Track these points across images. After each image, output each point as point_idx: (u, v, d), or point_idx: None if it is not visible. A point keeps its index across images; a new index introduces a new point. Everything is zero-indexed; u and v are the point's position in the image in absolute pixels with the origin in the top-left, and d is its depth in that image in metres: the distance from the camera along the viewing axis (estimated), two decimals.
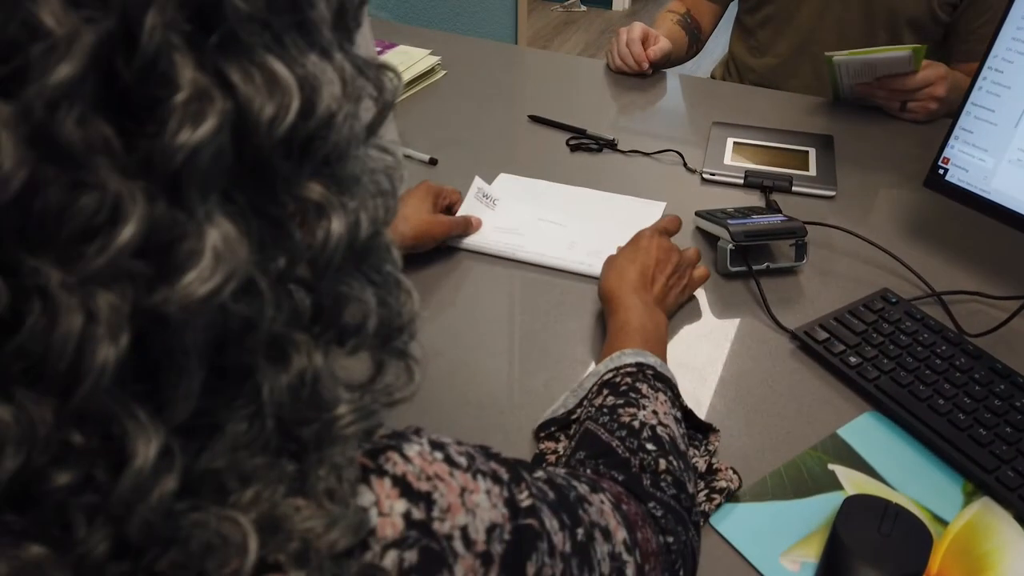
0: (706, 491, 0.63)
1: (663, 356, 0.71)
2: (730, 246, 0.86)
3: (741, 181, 1.05)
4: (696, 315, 0.84)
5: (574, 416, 0.66)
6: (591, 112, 1.21)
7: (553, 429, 0.67)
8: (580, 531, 0.40)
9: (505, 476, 0.36)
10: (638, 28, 1.31)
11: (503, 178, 1.04)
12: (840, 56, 1.11)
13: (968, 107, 0.85)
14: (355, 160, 0.28)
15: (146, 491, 0.23)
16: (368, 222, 0.27)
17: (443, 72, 1.30)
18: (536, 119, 1.19)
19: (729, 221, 0.87)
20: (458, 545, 0.31)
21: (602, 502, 0.45)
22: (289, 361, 0.26)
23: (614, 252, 0.83)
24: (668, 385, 0.65)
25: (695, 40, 1.41)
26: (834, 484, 0.65)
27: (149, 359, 0.23)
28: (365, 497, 0.30)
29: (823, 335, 0.78)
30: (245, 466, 0.26)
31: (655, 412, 0.60)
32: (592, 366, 0.76)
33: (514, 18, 2.44)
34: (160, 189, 0.22)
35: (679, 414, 0.64)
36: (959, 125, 0.86)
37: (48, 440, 0.21)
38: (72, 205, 0.20)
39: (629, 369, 0.65)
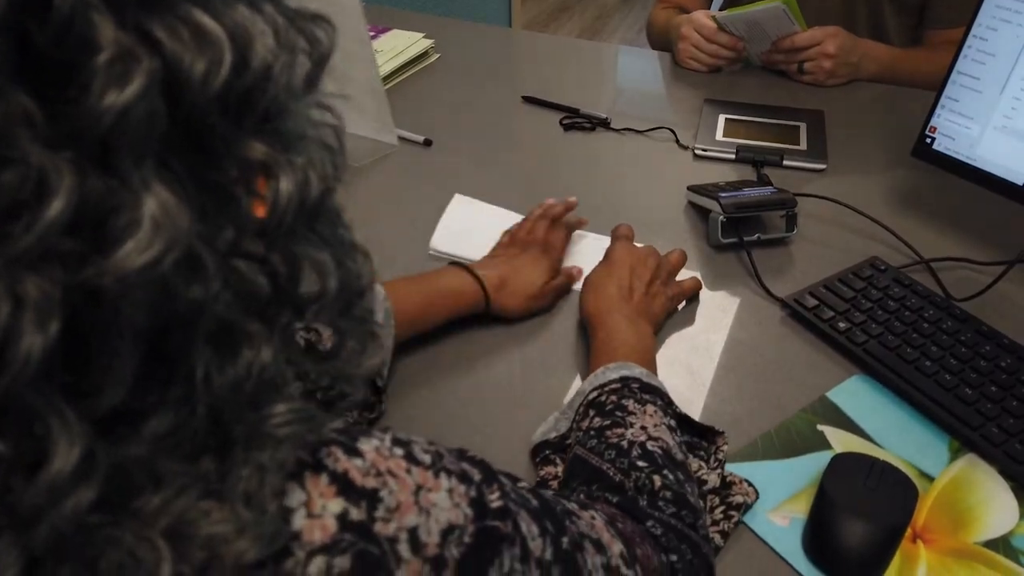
0: (723, 508, 0.60)
1: (651, 368, 0.68)
2: (721, 218, 0.87)
3: (733, 156, 1.06)
4: None
5: (568, 440, 0.64)
6: (584, 92, 1.22)
7: (548, 452, 0.64)
8: (565, 539, 0.37)
9: (476, 476, 0.33)
10: (703, 17, 1.22)
11: (458, 200, 0.97)
12: (722, 13, 1.19)
13: (954, 76, 0.86)
14: (297, 115, 0.26)
15: (60, 498, 0.21)
16: (317, 180, 0.26)
17: (437, 55, 1.31)
18: (530, 100, 1.20)
19: (720, 194, 0.89)
20: (403, 548, 0.28)
21: (593, 517, 0.43)
22: (238, 352, 0.24)
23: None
24: (657, 395, 0.62)
25: None
26: (823, 444, 0.67)
27: (79, 343, 0.21)
28: (294, 496, 0.27)
29: (812, 302, 0.79)
30: (160, 465, 0.24)
31: (643, 428, 0.58)
32: (576, 380, 0.78)
33: (507, 3, 2.44)
34: (90, 158, 0.20)
35: (673, 422, 0.61)
36: (945, 94, 0.87)
37: None
38: None
39: (613, 386, 0.62)
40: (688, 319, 0.81)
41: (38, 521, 0.21)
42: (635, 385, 0.62)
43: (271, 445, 0.26)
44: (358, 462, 0.29)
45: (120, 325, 0.21)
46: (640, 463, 0.55)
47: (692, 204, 0.97)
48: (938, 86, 0.88)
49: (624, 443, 0.56)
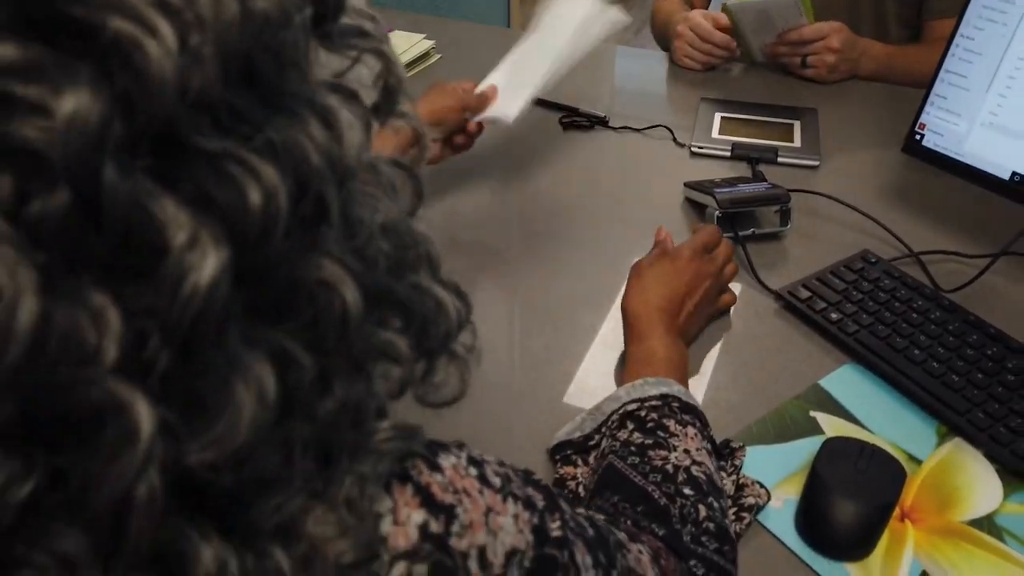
0: (735, 509, 0.61)
1: (686, 386, 0.68)
2: (717, 213, 0.89)
3: (728, 154, 1.08)
4: None
5: (592, 442, 0.64)
6: (583, 91, 1.24)
7: (570, 452, 0.65)
8: (615, 572, 0.39)
9: (540, 503, 0.35)
10: (699, 17, 1.25)
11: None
12: (734, 2, 1.20)
13: (942, 74, 0.89)
14: (364, 205, 0.27)
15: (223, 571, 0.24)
16: (385, 266, 0.27)
17: (438, 56, 1.34)
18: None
19: (716, 190, 0.91)
20: (473, 565, 0.30)
21: (640, 552, 0.44)
22: (332, 390, 0.26)
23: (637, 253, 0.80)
24: (695, 416, 0.63)
25: None
26: (815, 429, 0.70)
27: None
28: (383, 503, 0.29)
29: (806, 294, 0.82)
30: (270, 478, 0.26)
31: (687, 451, 0.58)
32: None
33: (506, 5, 2.47)
34: (176, 347, 0.20)
35: (710, 445, 0.62)
36: (934, 91, 0.90)
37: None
38: (70, 407, 0.19)
39: (654, 402, 0.62)
40: None
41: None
42: (675, 404, 0.62)
43: (373, 458, 0.28)
44: (439, 477, 0.31)
45: (222, 487, 0.23)
46: (686, 490, 0.55)
47: (689, 200, 1.00)
48: None
49: (669, 467, 0.56)
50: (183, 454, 0.21)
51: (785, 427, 0.70)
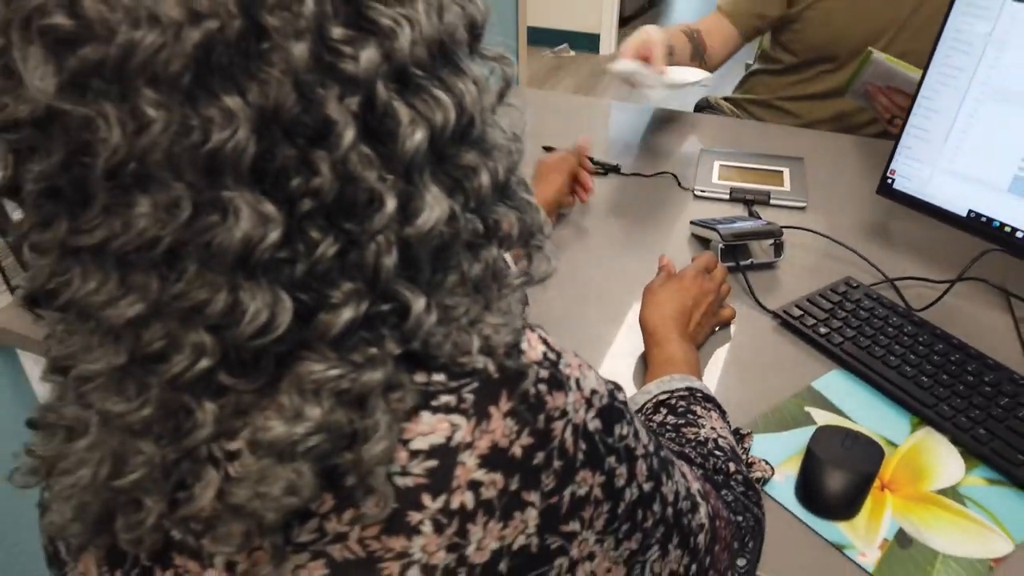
0: None
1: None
2: (720, 245, 1.04)
3: (727, 196, 1.24)
4: None
5: None
6: (595, 143, 1.40)
7: None
8: (663, 453, 0.49)
9: (611, 385, 0.46)
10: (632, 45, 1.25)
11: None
12: (879, 55, 1.25)
13: (908, 128, 1.05)
14: (492, 132, 0.41)
15: (417, 326, 0.39)
16: (503, 171, 0.41)
17: None
18: (549, 149, 1.38)
19: (719, 226, 1.06)
20: (573, 383, 0.42)
21: (682, 466, 0.53)
22: (480, 256, 0.42)
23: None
24: (716, 404, 0.74)
25: (698, 55, 1.44)
26: (809, 421, 0.83)
27: (409, 257, 0.38)
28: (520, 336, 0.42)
29: (798, 312, 0.96)
30: (456, 301, 0.41)
31: (713, 428, 0.69)
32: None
33: (515, 63, 2.66)
34: (400, 174, 0.37)
35: (730, 428, 0.73)
36: (902, 143, 1.06)
37: (369, 301, 0.38)
38: (356, 195, 0.36)
39: (681, 393, 0.74)
40: None
41: (417, 334, 0.39)
42: (699, 395, 0.75)
43: (512, 290, 0.43)
44: (552, 339, 0.45)
45: (426, 248, 0.39)
46: (717, 452, 0.66)
47: (695, 235, 1.15)
48: None
49: (701, 438, 0.68)
50: (404, 228, 0.37)
51: (784, 420, 0.83)
